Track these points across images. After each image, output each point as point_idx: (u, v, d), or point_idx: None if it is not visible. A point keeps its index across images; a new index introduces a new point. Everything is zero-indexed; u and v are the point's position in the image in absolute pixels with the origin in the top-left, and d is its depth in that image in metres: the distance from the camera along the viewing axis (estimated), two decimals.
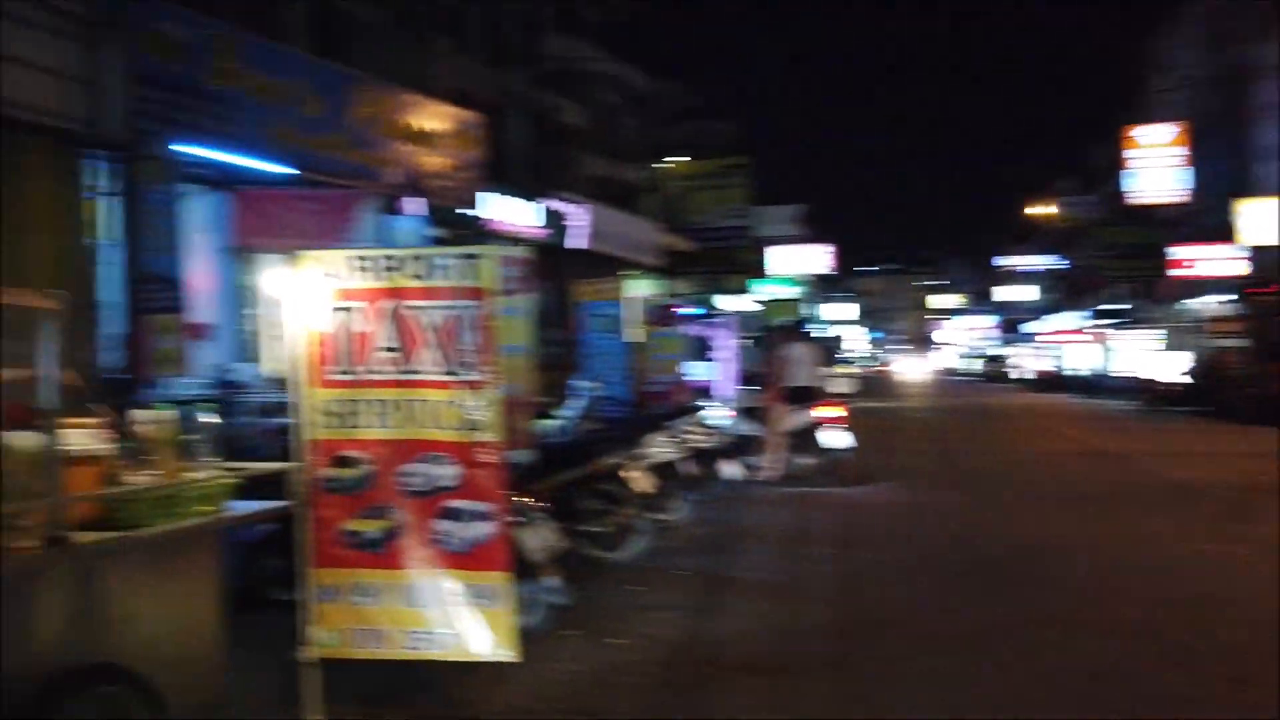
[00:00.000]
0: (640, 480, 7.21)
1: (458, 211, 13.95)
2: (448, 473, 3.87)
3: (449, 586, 3.85)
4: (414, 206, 13.08)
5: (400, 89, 11.77)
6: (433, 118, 11.80)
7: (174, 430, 3.51)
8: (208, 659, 3.55)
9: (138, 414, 3.46)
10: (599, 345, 11.99)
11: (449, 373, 3.85)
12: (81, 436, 3.15)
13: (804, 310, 32.21)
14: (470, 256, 3.90)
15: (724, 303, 30.65)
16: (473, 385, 3.84)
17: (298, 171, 10.71)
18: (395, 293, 3.91)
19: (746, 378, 14.36)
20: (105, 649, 3.09)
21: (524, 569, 5.23)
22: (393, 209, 12.90)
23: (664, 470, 8.74)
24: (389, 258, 3.96)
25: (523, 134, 18.11)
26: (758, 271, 31.68)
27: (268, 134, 9.57)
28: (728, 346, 15.56)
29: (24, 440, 2.92)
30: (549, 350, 17.59)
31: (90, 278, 8.35)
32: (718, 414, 13.23)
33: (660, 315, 12.43)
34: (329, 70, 10.97)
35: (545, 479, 6.76)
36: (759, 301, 23.18)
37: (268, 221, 13.99)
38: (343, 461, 3.95)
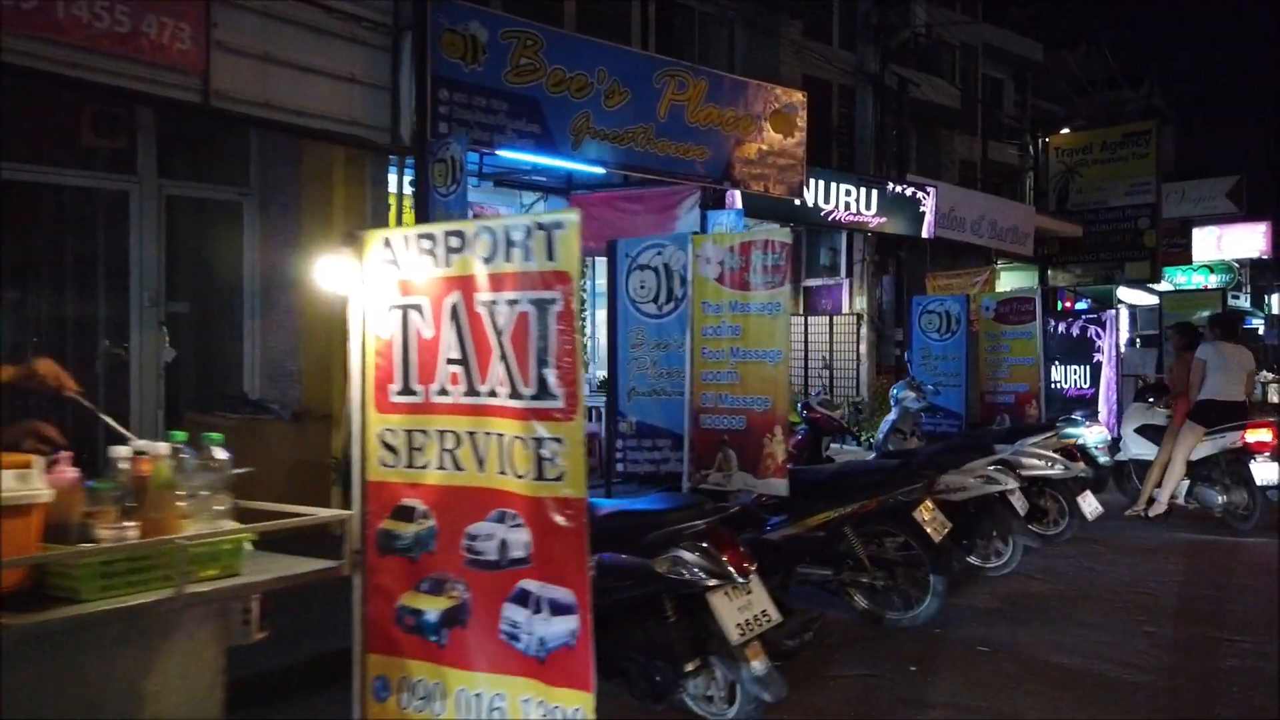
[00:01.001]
0: (933, 520, 5.52)
1: (789, 201, 12.72)
2: (521, 539, 2.69)
3: (522, 699, 2.67)
4: (737, 199, 12.06)
5: (718, 73, 10.73)
6: (755, 101, 10.62)
7: (168, 468, 2.69)
8: None
9: (117, 449, 2.67)
10: (932, 347, 10.14)
11: (517, 395, 2.67)
12: (12, 479, 2.39)
13: (1233, 304, 26.76)
14: (545, 226, 2.67)
15: (1126, 295, 26.37)
16: (550, 415, 2.62)
17: (604, 169, 10.09)
18: (462, 282, 2.81)
19: (1145, 388, 11.58)
20: None
21: (723, 648, 3.94)
22: (714, 203, 11.97)
23: (987, 506, 6.90)
24: (453, 233, 2.84)
25: (874, 115, 16.36)
26: (1171, 258, 26.89)
27: (567, 130, 8.98)
28: (1109, 348, 12.88)
29: None
30: (888, 355, 15.77)
31: None
32: (1093, 432, 10.82)
33: (1014, 309, 10.24)
34: (635, 58, 10.21)
35: (799, 519, 5.36)
36: (1162, 293, 19.26)
37: (596, 227, 13.76)
38: (403, 512, 2.94)
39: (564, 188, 13.87)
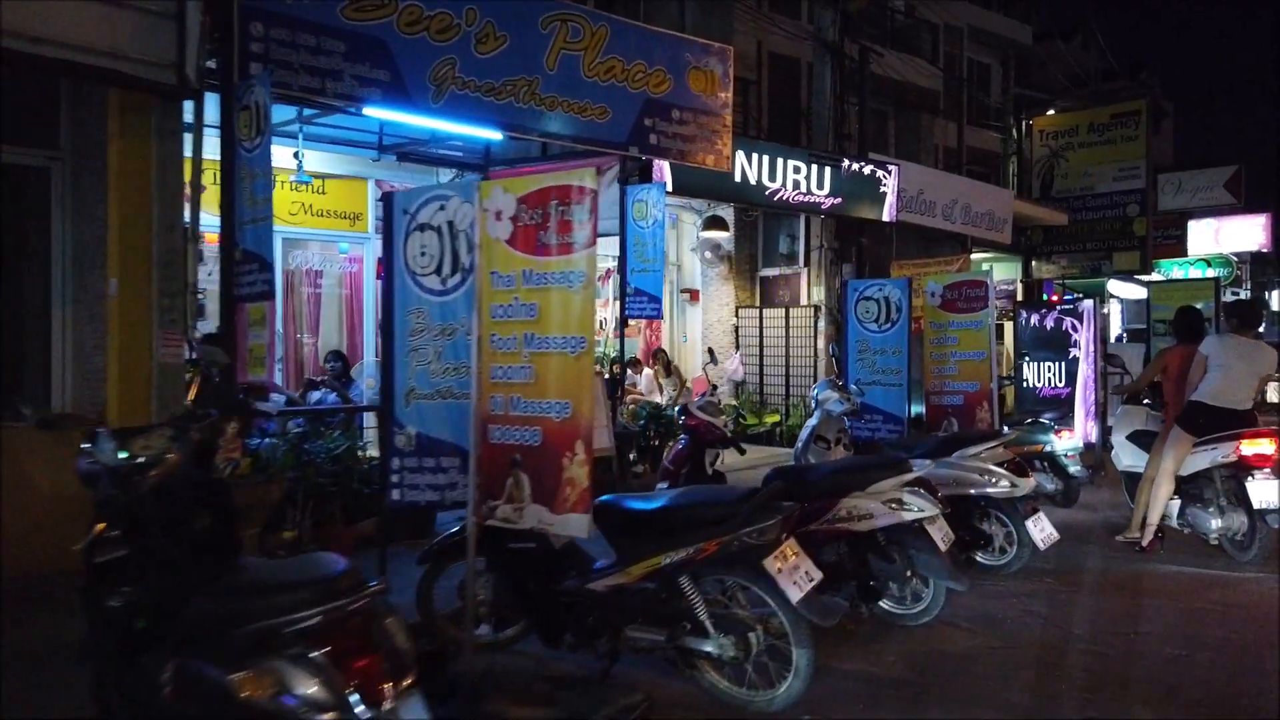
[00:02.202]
0: (793, 571, 4.00)
1: (726, 176, 11.20)
2: None
3: None
4: (665, 171, 10.55)
5: (622, 20, 9.20)
6: (670, 55, 9.08)
7: None
8: None
9: None
10: (869, 339, 8.60)
11: None
12: None
13: (1230, 298, 25.14)
14: None
15: (1118, 289, 24.80)
16: None
17: (477, 131, 8.57)
18: None
19: (1136, 391, 10.02)
20: None
21: None
22: (642, 175, 10.45)
23: (900, 538, 5.39)
24: None
25: (831, 88, 14.81)
26: (1165, 250, 25.36)
27: (426, 79, 7.46)
28: (1087, 342, 11.37)
29: None
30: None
31: (185, 256, 6.80)
32: (1064, 439, 9.33)
33: (962, 295, 8.68)
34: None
35: (626, 565, 3.89)
36: (1149, 283, 17.69)
37: None
38: None
39: (481, 164, 12.40)
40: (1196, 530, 7.49)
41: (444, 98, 7.58)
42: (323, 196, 11.90)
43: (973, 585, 6.36)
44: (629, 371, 12.90)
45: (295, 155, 10.84)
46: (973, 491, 6.57)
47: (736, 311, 15.07)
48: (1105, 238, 19.64)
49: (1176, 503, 7.65)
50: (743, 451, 6.16)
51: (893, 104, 21.22)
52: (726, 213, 14.89)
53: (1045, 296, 19.77)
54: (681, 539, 4.02)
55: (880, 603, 5.50)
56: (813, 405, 7.54)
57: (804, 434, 7.47)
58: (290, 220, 11.62)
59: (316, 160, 11.53)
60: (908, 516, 5.28)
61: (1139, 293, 20.50)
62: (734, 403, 14.69)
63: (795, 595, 3.95)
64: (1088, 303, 11.71)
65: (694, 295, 15.62)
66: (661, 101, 9.04)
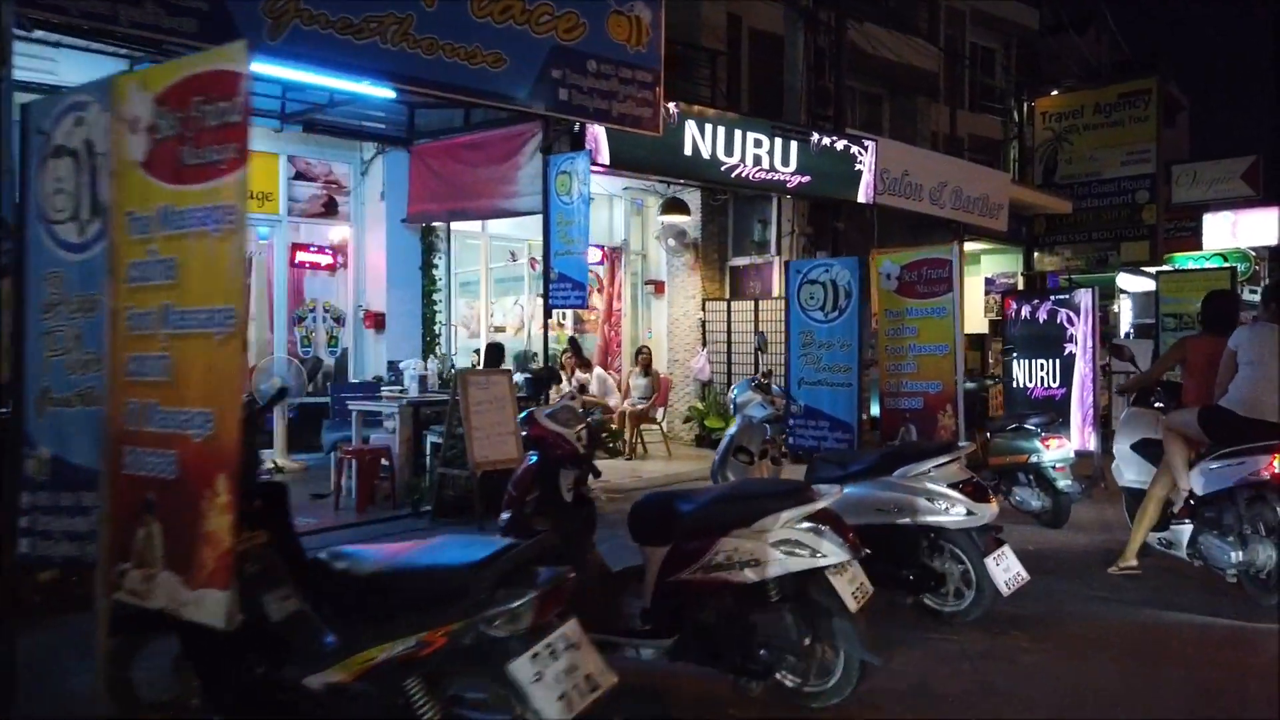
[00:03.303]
0: (547, 684, 2.53)
1: (672, 148, 9.74)
2: None
3: None
4: (599, 141, 9.10)
5: None
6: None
7: None
8: None
9: None
10: (815, 330, 7.11)
11: None
12: None
13: (1248, 297, 23.39)
14: None
15: (1129, 283, 23.08)
16: None
17: (333, 82, 7.14)
18: None
19: (1145, 390, 8.16)
20: None
21: None
22: (556, 144, 9.02)
23: (798, 592, 3.93)
24: None
25: (804, 57, 13.29)
26: (1178, 243, 23.65)
27: (259, 11, 6.05)
28: (1083, 337, 9.86)
29: None
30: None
31: None
32: (1053, 447, 7.87)
33: (923, 277, 7.15)
34: None
35: (343, 656, 2.43)
36: (1157, 273, 16.05)
37: (435, 186, 10.81)
38: None
39: (405, 138, 11.00)
40: (1210, 563, 5.94)
41: (284, 33, 6.14)
42: None
43: (916, 640, 4.90)
44: (577, 371, 11.47)
45: None
46: (919, 520, 5.08)
47: (703, 304, 13.58)
48: (1112, 227, 18.01)
49: (1187, 529, 6.13)
50: (597, 474, 4.68)
51: (887, 86, 19.68)
52: (693, 196, 13.46)
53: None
54: (402, 622, 2.56)
55: (778, 675, 4.02)
56: (731, 410, 6.05)
57: (722, 446, 5.98)
58: None
59: None
60: (803, 564, 3.80)
61: (1147, 285, 18.86)
62: (699, 405, 13.22)
63: (563, 715, 2.47)
64: (1085, 292, 10.16)
65: (659, 287, 14.15)
66: (573, 50, 7.58)
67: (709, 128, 10.31)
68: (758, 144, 10.81)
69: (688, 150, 10.14)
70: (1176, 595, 5.85)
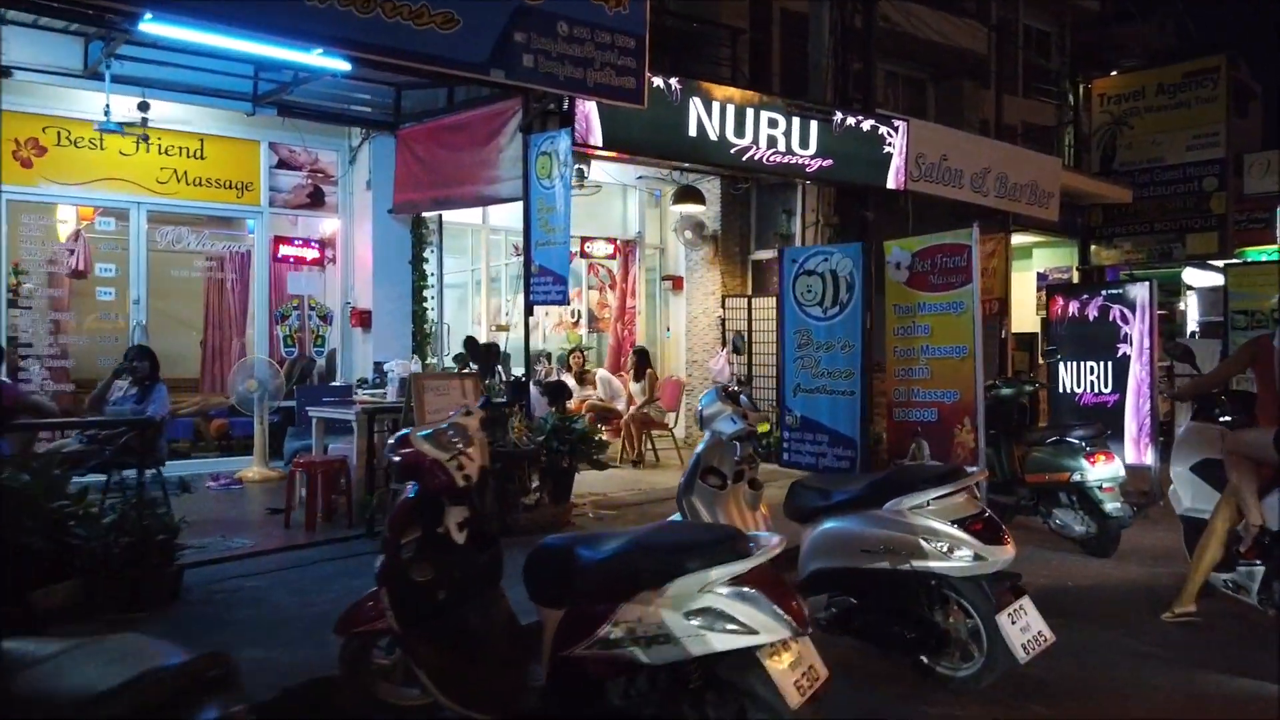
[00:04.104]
0: None
1: (671, 128, 8.76)
2: None
3: None
4: (590, 118, 8.16)
5: None
6: None
7: None
8: None
9: None
10: (812, 329, 6.06)
11: None
12: None
13: None
14: None
15: (1196, 278, 21.42)
16: None
17: (251, 47, 6.30)
18: None
19: (1209, 400, 6.70)
20: None
21: None
22: (542, 126, 8.10)
23: (728, 675, 2.94)
24: None
25: (830, 31, 12.18)
26: (1250, 236, 21.92)
27: None
28: (1139, 336, 8.67)
29: None
30: None
31: None
32: (1099, 465, 6.79)
33: (938, 266, 6.03)
34: None
35: None
36: (1226, 266, 14.59)
37: (418, 171, 9.96)
38: None
39: (392, 121, 10.19)
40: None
41: None
42: (201, 162, 9.81)
43: (913, 714, 3.89)
44: (566, 375, 10.58)
45: (142, 106, 8.83)
46: (914, 565, 4.05)
47: (723, 301, 12.56)
48: (1177, 216, 16.54)
49: (1259, 570, 5.01)
50: (498, 521, 3.73)
51: (931, 70, 18.42)
52: (713, 185, 12.45)
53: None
54: None
55: None
56: (698, 424, 5.05)
57: (688, 467, 4.99)
58: (158, 190, 9.57)
59: (193, 116, 9.45)
60: (728, 643, 2.81)
61: (1215, 281, 17.34)
62: None
63: None
64: (1140, 286, 8.95)
65: (677, 283, 13.16)
66: (539, 10, 6.64)
67: (716, 106, 9.29)
68: (773, 124, 9.76)
69: (692, 131, 9.13)
70: (1244, 653, 4.73)
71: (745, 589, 2.87)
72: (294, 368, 10.43)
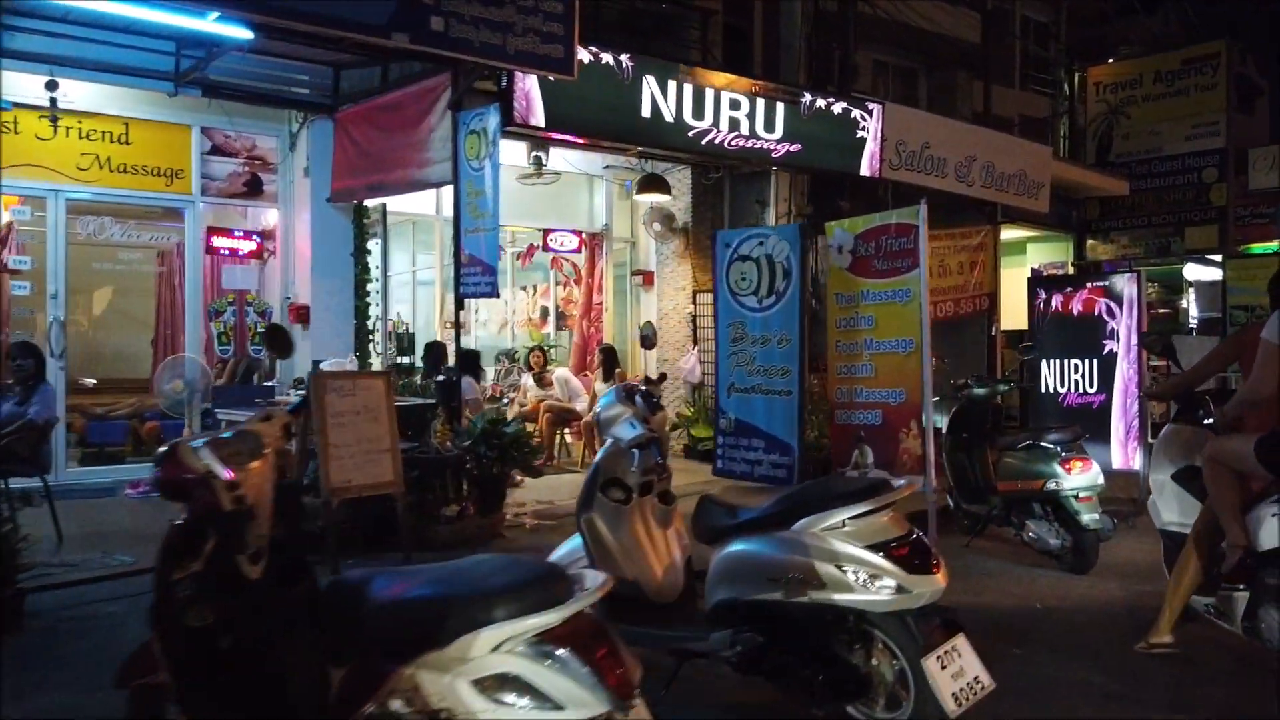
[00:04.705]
0: None
1: (627, 107, 8.09)
2: None
3: None
4: (532, 96, 7.51)
5: None
6: None
7: None
8: None
9: None
10: (746, 321, 5.37)
11: None
12: None
13: None
14: None
15: (1197, 274, 20.64)
16: None
17: (122, 9, 5.65)
18: None
19: (1191, 400, 5.86)
20: None
21: None
22: (465, 101, 7.45)
23: None
24: None
25: (800, 9, 11.50)
26: (1254, 231, 21.12)
27: None
28: (1126, 332, 7.98)
29: None
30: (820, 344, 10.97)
31: None
32: (1076, 472, 6.15)
33: (883, 250, 5.32)
34: None
35: None
36: (1224, 260, 13.84)
37: (355, 156, 9.31)
38: None
39: (329, 103, 9.53)
40: (1273, 646, 4.14)
41: None
42: (126, 148, 9.17)
43: None
44: (520, 372, 9.92)
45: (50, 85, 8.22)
46: (825, 597, 3.37)
47: (694, 296, 11.87)
48: (1176, 209, 15.80)
49: (1242, 595, 4.32)
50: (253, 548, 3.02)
51: (923, 59, 17.71)
52: (684, 175, 11.78)
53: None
54: None
55: None
56: (597, 429, 4.37)
57: (586, 480, 4.29)
58: (79, 176, 8.93)
59: (115, 98, 8.82)
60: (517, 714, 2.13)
61: (1215, 275, 16.58)
62: (688, 412, 11.52)
63: None
64: (1128, 278, 8.25)
65: (648, 278, 12.48)
66: None
67: (672, 85, 8.62)
68: (735, 105, 9.08)
69: (645, 111, 8.47)
70: (1223, 691, 4.05)
71: (553, 648, 2.20)
72: (236, 367, 9.81)
